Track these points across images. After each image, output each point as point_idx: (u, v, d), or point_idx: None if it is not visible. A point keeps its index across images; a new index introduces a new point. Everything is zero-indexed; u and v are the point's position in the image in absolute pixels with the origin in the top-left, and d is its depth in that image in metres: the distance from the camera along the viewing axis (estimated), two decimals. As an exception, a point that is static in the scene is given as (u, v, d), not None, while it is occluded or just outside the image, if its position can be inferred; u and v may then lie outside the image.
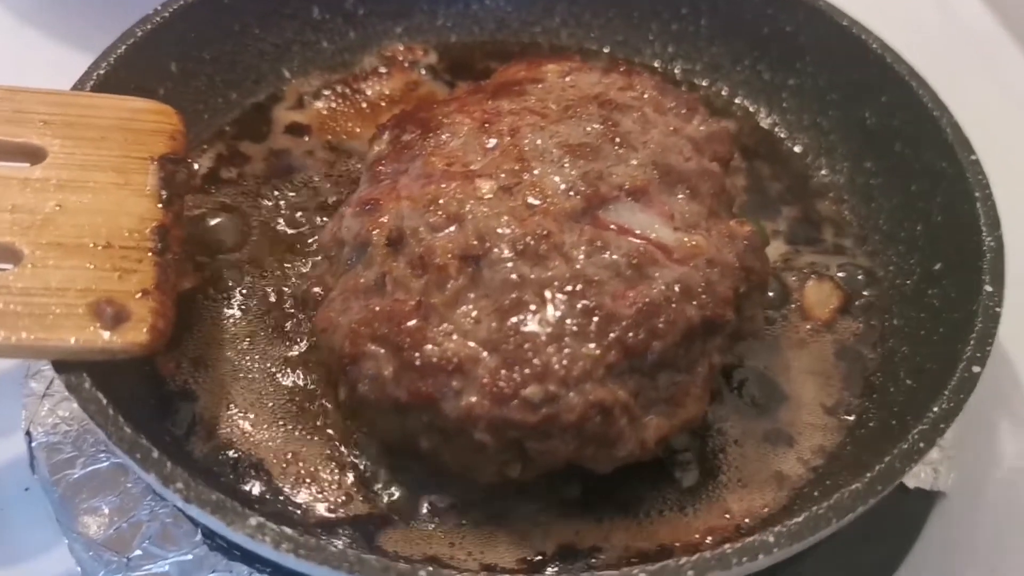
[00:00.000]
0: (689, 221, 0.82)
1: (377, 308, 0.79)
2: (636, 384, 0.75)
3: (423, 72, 1.18)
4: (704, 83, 1.18)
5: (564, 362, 0.73)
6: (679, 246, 0.79)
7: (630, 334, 0.75)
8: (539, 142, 0.85)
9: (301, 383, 0.87)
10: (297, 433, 0.83)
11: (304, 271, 0.95)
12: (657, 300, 0.76)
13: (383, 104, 1.13)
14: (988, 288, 0.82)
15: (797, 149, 1.11)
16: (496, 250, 0.78)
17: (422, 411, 0.76)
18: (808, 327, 0.94)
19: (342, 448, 0.82)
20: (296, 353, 0.89)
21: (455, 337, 0.76)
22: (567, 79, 0.95)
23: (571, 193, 0.81)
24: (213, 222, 0.99)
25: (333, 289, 0.86)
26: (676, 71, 1.19)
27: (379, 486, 0.81)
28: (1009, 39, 1.32)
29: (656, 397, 0.77)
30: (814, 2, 1.09)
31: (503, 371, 0.74)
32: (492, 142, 0.86)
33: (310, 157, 1.07)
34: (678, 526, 0.79)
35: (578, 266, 0.77)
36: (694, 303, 0.77)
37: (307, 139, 1.09)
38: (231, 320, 0.91)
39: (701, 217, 0.83)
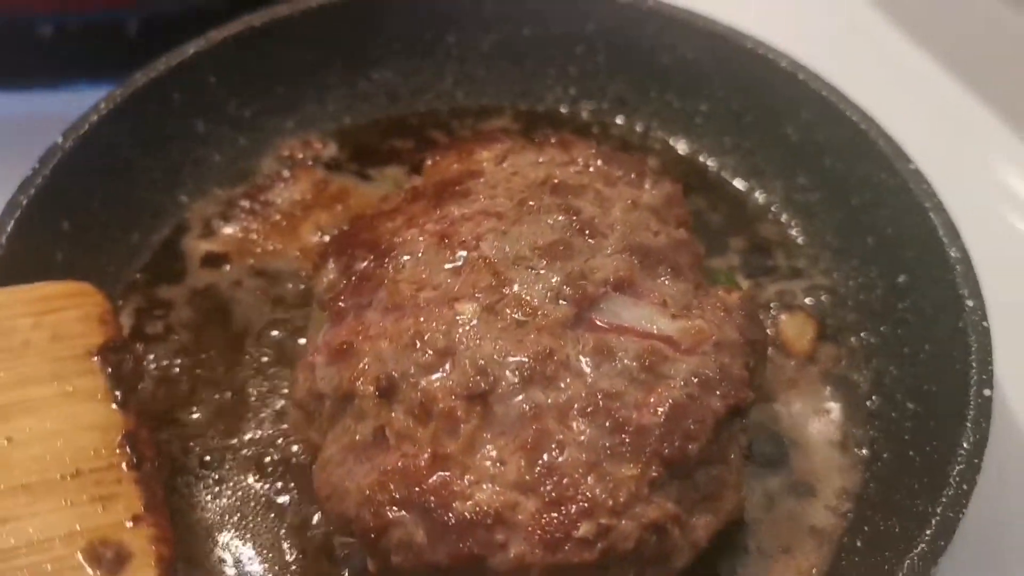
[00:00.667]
0: (681, 303, 0.80)
1: (388, 467, 0.73)
2: (678, 491, 0.73)
3: (328, 167, 1.10)
4: (617, 121, 1.16)
5: (609, 489, 0.70)
6: (683, 335, 0.77)
7: (665, 444, 0.72)
8: (507, 248, 0.81)
9: (313, 555, 0.81)
10: (327, 615, 0.77)
11: (272, 430, 0.88)
12: (681, 401, 0.73)
13: (298, 212, 1.06)
14: (969, 303, 0.83)
15: (725, 175, 1.11)
16: (503, 382, 0.73)
17: (467, 571, 0.71)
18: (793, 364, 0.94)
19: (382, 621, 0.77)
20: (298, 520, 0.82)
21: (484, 486, 0.71)
22: (505, 165, 0.91)
23: (559, 300, 0.77)
24: (156, 391, 0.90)
25: (322, 448, 0.80)
26: (584, 114, 1.17)
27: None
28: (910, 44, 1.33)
29: (697, 496, 0.75)
30: (710, 27, 1.08)
31: (548, 514, 0.70)
32: (459, 257, 0.81)
33: (239, 288, 0.99)
34: (739, 615, 0.78)
35: (591, 380, 0.74)
36: (717, 393, 0.75)
37: (229, 268, 1.01)
38: (214, 499, 0.83)
39: (690, 295, 0.81)
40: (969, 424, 0.76)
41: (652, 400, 0.74)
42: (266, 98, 1.11)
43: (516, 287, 0.78)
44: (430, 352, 0.75)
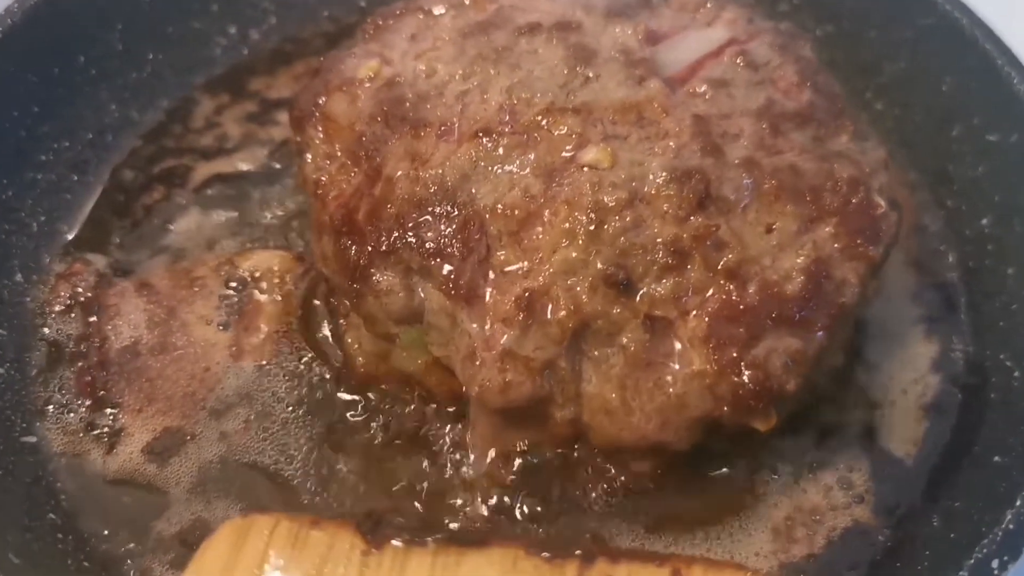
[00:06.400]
0: (693, 18, 0.77)
1: (704, 330, 0.63)
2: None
3: (113, 279, 0.79)
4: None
5: (862, 160, 0.70)
6: (734, 31, 0.75)
7: (833, 102, 0.72)
8: (546, 88, 0.69)
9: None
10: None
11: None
12: (802, 67, 0.73)
13: (157, 336, 0.75)
14: None
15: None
16: (708, 170, 0.65)
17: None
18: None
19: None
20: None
21: (788, 255, 0.65)
22: (399, 60, 0.74)
23: (640, 83, 0.69)
24: None
25: (585, 406, 0.65)
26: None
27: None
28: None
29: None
30: None
31: (849, 225, 0.67)
32: (520, 129, 0.67)
33: (245, 426, 0.70)
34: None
35: (744, 105, 0.70)
36: (808, 46, 0.76)
37: (192, 441, 0.70)
38: None
39: (683, 9, 0.78)
40: None
41: (785, 84, 0.72)
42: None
43: (599, 105, 0.68)
44: (620, 208, 0.64)
